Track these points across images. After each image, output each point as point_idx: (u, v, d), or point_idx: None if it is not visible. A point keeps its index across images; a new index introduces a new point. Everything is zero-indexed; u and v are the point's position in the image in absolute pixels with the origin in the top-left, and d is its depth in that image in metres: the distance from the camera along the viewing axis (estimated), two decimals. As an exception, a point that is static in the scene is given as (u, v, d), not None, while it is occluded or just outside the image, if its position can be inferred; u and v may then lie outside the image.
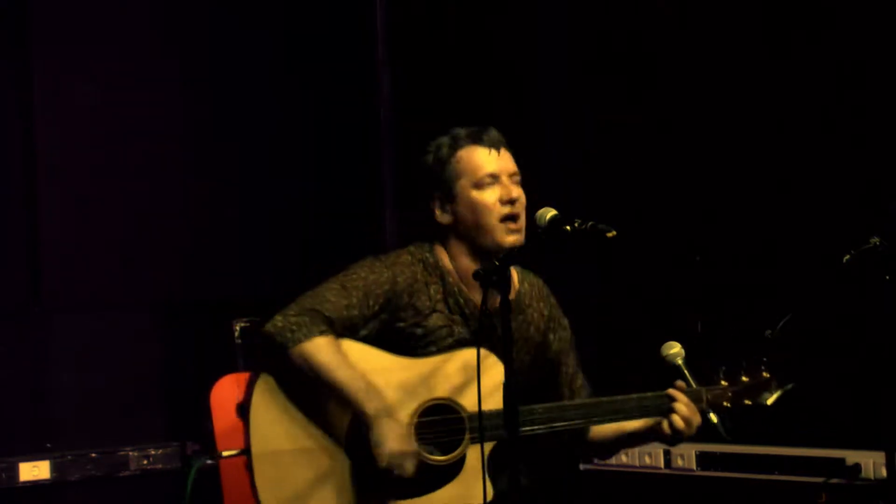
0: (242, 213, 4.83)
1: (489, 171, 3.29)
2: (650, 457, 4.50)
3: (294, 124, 4.99)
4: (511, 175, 3.31)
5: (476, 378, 3.11)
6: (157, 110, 4.70)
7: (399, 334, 3.29)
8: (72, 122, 4.54)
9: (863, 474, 3.97)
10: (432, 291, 3.32)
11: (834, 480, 4.01)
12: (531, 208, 3.23)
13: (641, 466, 4.53)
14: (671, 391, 3.25)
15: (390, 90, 5.18)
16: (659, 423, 3.25)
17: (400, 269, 3.32)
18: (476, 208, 3.28)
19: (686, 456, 4.41)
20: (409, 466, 3.14)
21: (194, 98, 4.78)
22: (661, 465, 4.48)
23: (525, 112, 4.85)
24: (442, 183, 3.33)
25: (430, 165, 3.36)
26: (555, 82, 4.85)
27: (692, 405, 3.24)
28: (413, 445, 3.16)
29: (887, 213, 3.36)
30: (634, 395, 3.28)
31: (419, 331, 3.29)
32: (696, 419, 3.24)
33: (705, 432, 3.32)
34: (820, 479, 4.03)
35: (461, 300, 3.33)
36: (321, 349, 3.18)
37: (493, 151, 3.31)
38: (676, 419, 3.22)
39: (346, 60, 5.14)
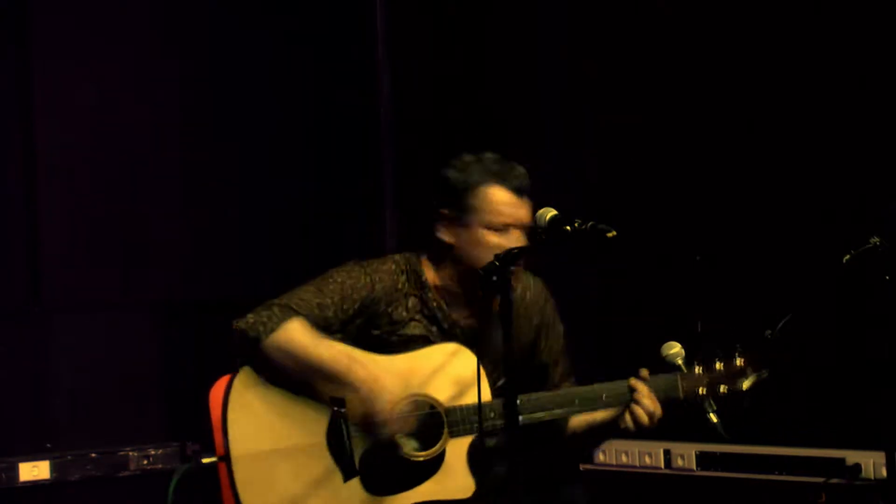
0: (242, 213, 4.83)
1: (506, 221, 3.27)
2: (650, 457, 4.50)
3: (294, 124, 4.99)
4: (523, 227, 3.28)
5: (450, 371, 3.19)
6: (157, 110, 4.70)
7: (373, 340, 3.29)
8: (72, 122, 4.54)
9: (863, 474, 3.97)
10: (410, 304, 3.33)
11: (834, 480, 4.00)
12: (532, 209, 3.24)
13: (641, 466, 4.52)
14: (632, 381, 3.24)
15: (390, 90, 5.18)
16: (621, 415, 3.24)
17: (380, 277, 3.32)
18: (481, 246, 3.25)
19: (686, 456, 4.41)
20: (414, 419, 3.18)
21: (194, 98, 4.78)
22: (661, 465, 4.47)
23: (525, 112, 4.85)
24: (457, 206, 3.30)
25: (452, 183, 3.32)
26: (555, 82, 4.85)
27: (653, 395, 3.22)
28: (410, 390, 3.18)
29: (887, 213, 3.35)
30: (595, 385, 3.27)
31: (394, 339, 3.30)
32: (658, 410, 3.21)
33: (705, 432, 3.32)
34: (820, 479, 4.03)
35: (439, 314, 3.34)
36: (297, 332, 3.18)
37: (516, 199, 3.27)
38: (638, 410, 3.20)
39: (346, 60, 5.14)
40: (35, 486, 4.34)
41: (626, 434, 3.26)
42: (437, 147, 5.00)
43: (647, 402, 3.20)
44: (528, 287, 3.47)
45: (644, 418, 3.20)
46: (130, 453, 4.51)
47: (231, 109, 4.85)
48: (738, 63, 4.31)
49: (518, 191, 3.28)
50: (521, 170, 3.32)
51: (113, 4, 4.64)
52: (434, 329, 3.33)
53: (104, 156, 4.59)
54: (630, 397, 3.22)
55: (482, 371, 3.18)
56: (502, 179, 3.28)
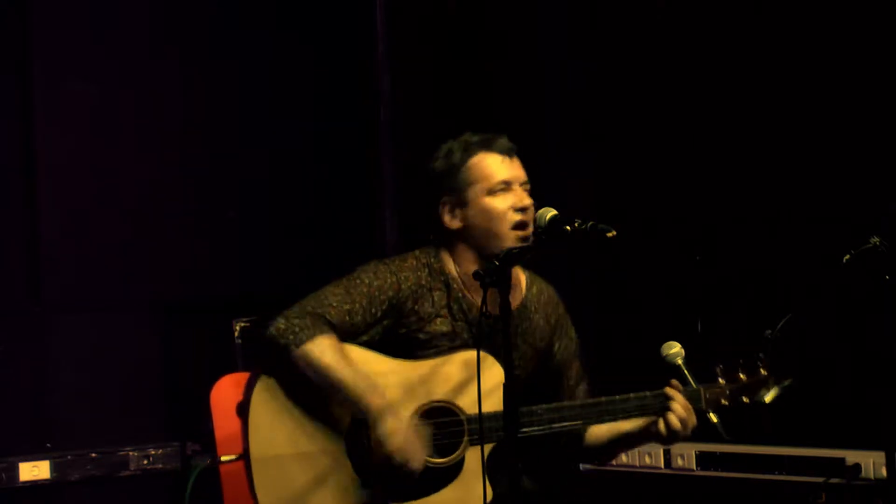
0: (242, 213, 4.83)
1: (502, 178, 3.30)
2: (650, 457, 4.50)
3: (294, 124, 4.98)
4: (522, 183, 3.32)
5: (475, 379, 3.12)
6: (157, 110, 4.69)
7: (401, 339, 3.29)
8: (72, 122, 4.54)
9: (863, 474, 3.97)
10: (436, 297, 3.33)
11: (834, 480, 4.01)
12: (532, 202, 3.25)
13: (641, 466, 4.53)
14: (668, 390, 3.24)
15: (390, 90, 5.18)
16: (654, 423, 3.24)
17: (405, 275, 3.32)
18: (489, 214, 3.28)
19: (686, 456, 4.41)
20: (416, 463, 3.15)
21: (194, 98, 4.77)
22: (661, 465, 4.48)
23: (526, 112, 4.85)
24: (453, 188, 3.33)
25: (440, 170, 3.36)
26: (555, 82, 4.85)
27: (688, 405, 3.23)
28: (419, 442, 3.16)
29: (887, 213, 3.35)
30: (632, 395, 3.28)
31: (422, 336, 3.29)
32: (692, 419, 3.23)
33: (705, 432, 3.32)
34: (820, 479, 4.03)
35: (465, 306, 3.33)
36: (325, 350, 3.18)
37: (506, 159, 3.32)
38: (672, 419, 3.21)
39: (346, 60, 5.14)
40: (35, 486, 4.34)
41: (657, 442, 3.27)
42: (437, 147, 5.00)
43: (681, 410, 3.21)
44: (542, 290, 3.48)
45: (677, 425, 3.20)
46: (130, 453, 4.51)
47: (231, 109, 4.84)
48: (738, 63, 4.31)
49: (504, 151, 3.33)
50: (503, 137, 3.36)
51: (113, 4, 4.64)
52: (460, 323, 3.33)
53: (104, 156, 4.59)
54: (666, 405, 3.22)
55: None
56: (486, 146, 3.34)
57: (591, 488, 4.49)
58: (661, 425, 3.22)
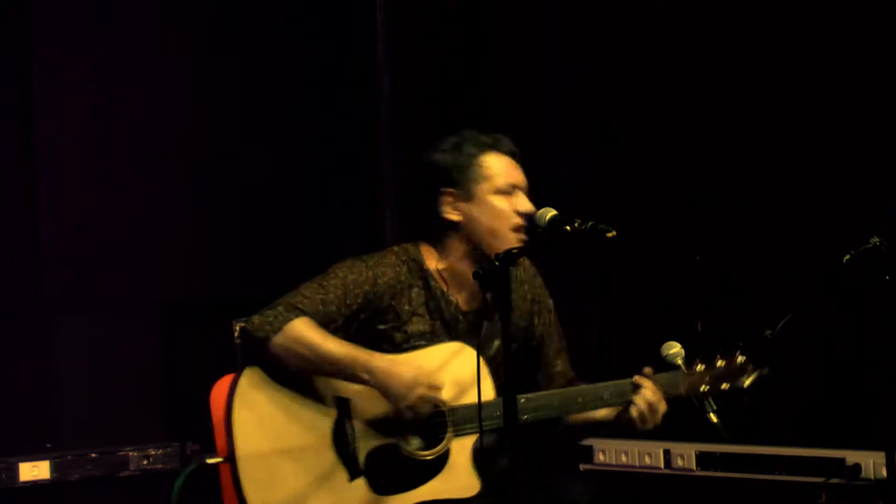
0: (242, 213, 4.83)
1: (512, 181, 3.32)
2: (650, 457, 4.50)
3: (294, 124, 4.99)
4: (525, 189, 3.35)
5: (453, 371, 3.19)
6: (157, 110, 4.70)
7: (378, 335, 3.30)
8: (72, 122, 4.54)
9: (863, 474, 3.97)
10: (414, 295, 3.34)
11: (834, 480, 4.01)
12: (533, 205, 3.25)
13: (641, 466, 4.53)
14: (637, 378, 3.25)
15: (390, 90, 5.18)
16: (626, 410, 3.25)
17: (382, 270, 3.33)
18: (493, 213, 3.30)
19: (686, 456, 4.41)
20: (435, 391, 3.18)
21: (194, 98, 4.78)
22: (661, 465, 4.48)
23: (526, 112, 4.85)
24: (460, 182, 3.33)
25: (447, 163, 3.36)
26: (555, 82, 4.85)
27: (658, 392, 3.24)
28: (425, 385, 3.17)
29: (887, 213, 3.35)
30: (600, 384, 3.29)
31: (398, 335, 3.31)
32: (663, 405, 3.24)
33: (705, 432, 3.32)
34: (820, 479, 4.03)
35: (443, 304, 3.35)
36: (303, 329, 3.20)
37: (513, 162, 3.36)
38: (641, 402, 3.21)
39: (346, 60, 5.14)
40: (35, 486, 4.35)
41: (630, 427, 3.27)
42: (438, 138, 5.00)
43: (649, 395, 3.22)
44: (518, 263, 3.48)
45: (646, 410, 3.21)
46: (130, 453, 4.51)
47: (231, 109, 4.85)
48: (738, 63, 4.31)
49: (512, 154, 3.37)
50: (509, 140, 3.40)
51: (113, 4, 4.65)
52: (437, 323, 3.34)
53: (104, 156, 4.59)
54: (634, 392, 3.23)
55: (485, 370, 3.20)
56: (495, 147, 3.36)
57: (591, 488, 4.49)
58: (632, 409, 3.23)
